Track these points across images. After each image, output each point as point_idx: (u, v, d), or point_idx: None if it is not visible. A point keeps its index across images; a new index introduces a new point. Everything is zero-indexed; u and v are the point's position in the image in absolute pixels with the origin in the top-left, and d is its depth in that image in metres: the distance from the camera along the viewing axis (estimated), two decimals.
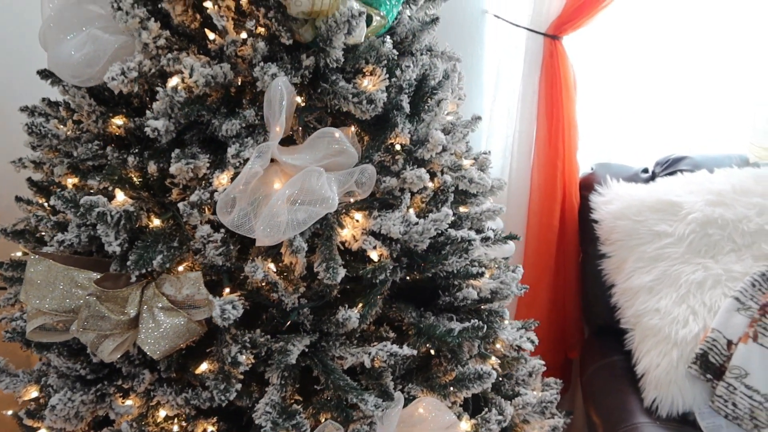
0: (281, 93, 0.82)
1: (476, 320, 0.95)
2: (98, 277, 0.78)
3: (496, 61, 1.72)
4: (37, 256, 0.80)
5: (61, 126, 0.93)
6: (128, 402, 0.86)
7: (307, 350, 0.87)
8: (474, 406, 1.08)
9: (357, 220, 0.91)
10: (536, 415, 1.15)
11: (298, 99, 0.89)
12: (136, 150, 0.88)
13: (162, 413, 0.87)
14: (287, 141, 0.91)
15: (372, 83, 0.90)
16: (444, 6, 1.75)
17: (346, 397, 0.84)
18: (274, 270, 0.86)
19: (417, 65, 1.00)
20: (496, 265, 1.12)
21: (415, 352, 0.89)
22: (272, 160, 0.85)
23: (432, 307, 1.00)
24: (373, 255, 0.89)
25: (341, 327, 0.86)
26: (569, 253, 1.70)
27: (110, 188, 0.84)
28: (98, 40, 0.82)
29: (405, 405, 0.92)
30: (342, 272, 0.83)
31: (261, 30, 0.87)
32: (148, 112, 0.82)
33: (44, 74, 0.97)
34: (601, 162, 1.74)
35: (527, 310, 1.74)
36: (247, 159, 0.81)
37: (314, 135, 0.87)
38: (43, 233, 0.94)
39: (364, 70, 0.92)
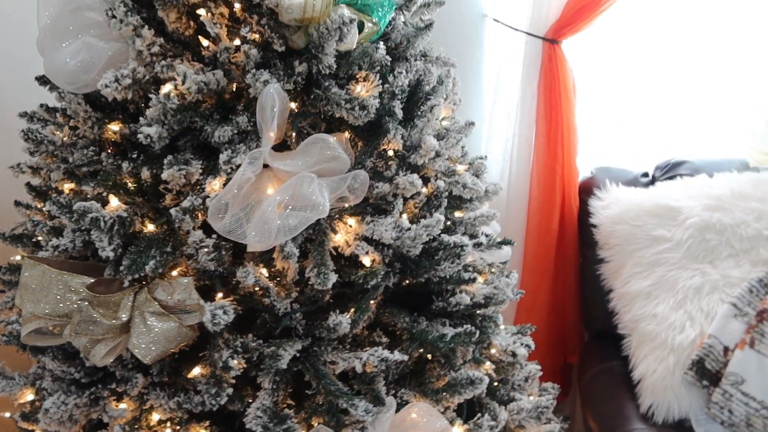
0: (273, 99, 0.82)
1: (469, 325, 0.96)
2: (91, 281, 0.79)
3: (495, 65, 1.72)
4: (31, 261, 0.81)
5: (58, 132, 0.94)
6: (122, 405, 0.87)
7: (299, 355, 0.88)
8: (469, 411, 1.08)
9: (350, 226, 0.91)
10: (532, 420, 1.15)
11: (292, 105, 0.90)
12: (133, 155, 0.89)
13: (155, 417, 0.88)
14: (282, 146, 0.91)
15: (365, 89, 0.91)
16: (443, 10, 1.75)
17: (337, 401, 0.84)
18: (266, 275, 0.86)
19: (411, 71, 1.01)
20: (491, 270, 1.13)
21: (406, 357, 0.89)
22: (266, 166, 0.86)
23: (426, 312, 1.00)
24: (366, 260, 0.90)
25: (332, 332, 0.86)
26: (568, 257, 1.70)
27: (104, 194, 0.85)
28: (92, 47, 0.83)
29: (398, 410, 0.93)
30: (333, 278, 0.84)
31: (255, 36, 0.87)
32: (141, 118, 0.83)
33: (42, 80, 0.98)
34: (601, 166, 1.74)
35: (527, 314, 1.74)
36: (239, 165, 0.82)
37: (307, 141, 0.87)
38: (39, 238, 0.95)
39: (358, 76, 0.92)
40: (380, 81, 0.91)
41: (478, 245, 1.02)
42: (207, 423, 0.88)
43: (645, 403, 1.26)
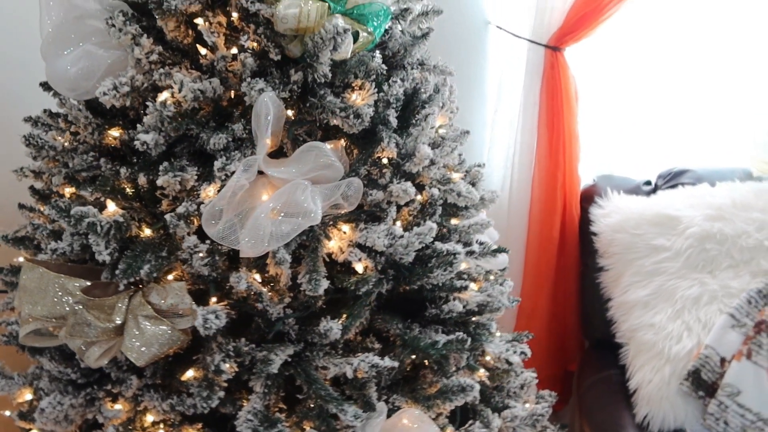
0: (267, 107, 0.83)
1: (461, 333, 0.96)
2: (88, 285, 0.81)
3: (498, 71, 1.73)
4: (30, 263, 0.82)
5: (59, 137, 0.96)
6: (117, 406, 0.89)
7: (291, 360, 0.89)
8: (463, 418, 1.09)
9: (344, 232, 0.92)
10: (527, 428, 1.15)
11: (289, 113, 0.91)
12: (132, 161, 0.91)
13: (149, 418, 0.89)
14: (278, 154, 0.93)
15: (361, 97, 0.92)
16: (447, 17, 1.76)
17: (327, 406, 0.85)
18: (259, 280, 0.87)
19: (407, 79, 1.02)
20: (487, 278, 1.13)
21: (396, 363, 0.90)
22: (261, 173, 0.87)
23: (419, 319, 1.01)
24: (359, 267, 0.91)
25: (324, 338, 0.87)
26: (569, 265, 1.70)
27: (102, 198, 0.87)
28: (92, 55, 0.85)
29: (389, 415, 0.93)
30: (324, 284, 0.85)
31: (254, 45, 0.89)
32: (139, 125, 0.85)
33: (46, 86, 1.00)
34: (604, 174, 1.74)
35: (527, 321, 1.74)
36: (234, 172, 0.83)
37: (301, 148, 0.89)
38: (39, 241, 0.97)
39: (354, 85, 0.93)
40: (376, 89, 0.92)
41: (470, 253, 1.03)
42: (200, 425, 0.90)
43: (641, 412, 1.25)
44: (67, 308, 0.79)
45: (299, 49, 0.88)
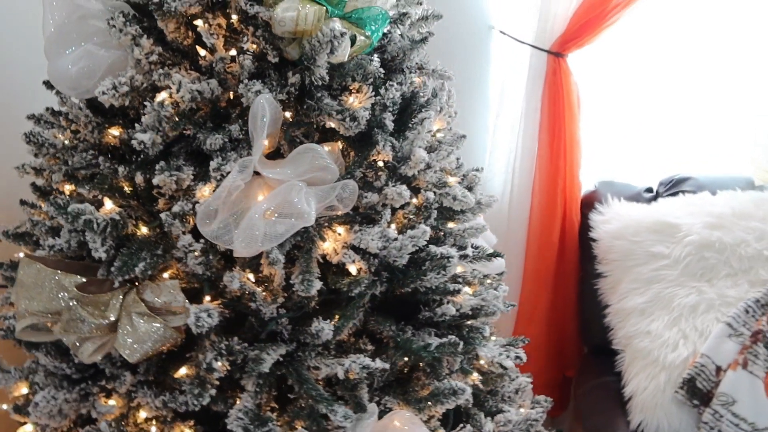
0: (264, 109, 0.84)
1: (454, 336, 0.97)
2: (83, 281, 0.82)
3: (501, 76, 1.73)
4: (28, 259, 0.84)
5: (60, 135, 0.97)
6: (111, 402, 0.90)
7: (283, 359, 0.89)
8: (456, 421, 1.09)
9: (339, 234, 0.93)
10: None
11: (287, 114, 0.92)
12: (131, 159, 0.92)
13: (142, 414, 0.90)
14: (275, 155, 0.93)
15: (358, 100, 0.93)
16: (451, 21, 1.76)
17: (318, 406, 0.86)
18: (253, 280, 0.88)
19: (405, 83, 1.02)
20: (483, 282, 1.13)
21: (387, 365, 0.90)
22: (258, 174, 0.88)
23: (413, 322, 1.01)
24: (352, 269, 0.91)
25: (316, 338, 0.88)
26: (568, 271, 1.70)
27: (100, 196, 0.88)
28: (93, 55, 0.86)
29: (381, 417, 0.94)
30: (317, 285, 0.86)
31: (253, 47, 0.90)
32: (137, 125, 0.86)
33: (49, 85, 1.02)
34: (605, 180, 1.74)
35: (526, 326, 1.74)
36: (229, 172, 0.84)
37: (297, 150, 0.89)
38: (38, 237, 0.98)
39: (351, 88, 0.94)
40: (373, 93, 0.93)
41: (464, 257, 1.03)
42: (192, 422, 0.90)
43: (635, 420, 1.25)
44: (63, 304, 0.80)
45: (297, 52, 0.89)
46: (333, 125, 0.91)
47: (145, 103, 0.85)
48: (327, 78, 0.90)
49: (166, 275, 0.90)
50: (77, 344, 0.81)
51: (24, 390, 0.95)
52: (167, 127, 0.84)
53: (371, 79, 0.96)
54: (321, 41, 0.85)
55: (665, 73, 1.74)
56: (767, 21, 1.65)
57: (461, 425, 1.02)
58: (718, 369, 1.20)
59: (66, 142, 0.96)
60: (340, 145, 0.95)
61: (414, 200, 1.00)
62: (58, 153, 0.96)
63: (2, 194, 1.22)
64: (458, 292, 0.97)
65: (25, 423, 0.94)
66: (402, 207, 0.98)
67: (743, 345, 1.20)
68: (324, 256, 0.92)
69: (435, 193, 1.01)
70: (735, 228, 1.36)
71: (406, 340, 0.95)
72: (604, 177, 1.77)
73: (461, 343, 0.96)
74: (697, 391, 1.20)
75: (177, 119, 0.84)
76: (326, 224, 0.92)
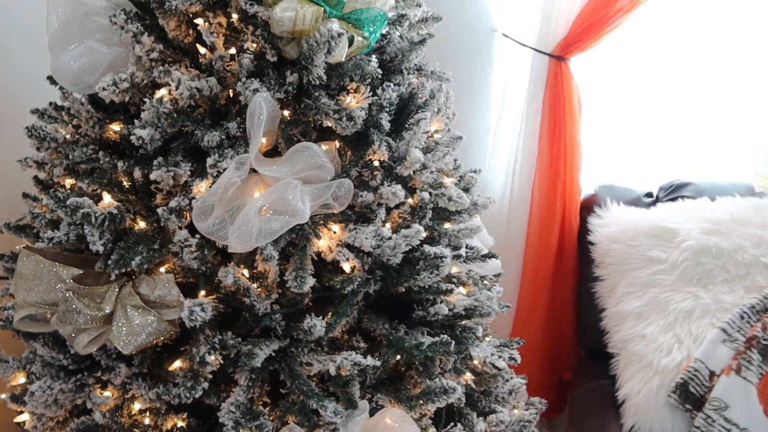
0: (261, 107, 0.85)
1: (446, 335, 0.97)
2: (80, 273, 0.83)
3: (503, 78, 1.74)
4: (27, 251, 0.85)
5: (62, 129, 0.99)
6: (106, 393, 0.91)
7: (276, 355, 0.91)
8: (448, 420, 1.10)
9: (334, 232, 0.94)
10: None
11: (285, 113, 0.93)
12: (131, 154, 0.94)
13: (137, 406, 0.92)
14: (273, 153, 0.95)
15: (355, 100, 0.94)
16: (454, 23, 1.77)
17: (309, 402, 0.87)
18: (248, 276, 0.89)
19: (403, 84, 1.03)
20: (477, 283, 1.14)
21: (379, 363, 0.91)
22: (254, 171, 0.89)
23: (407, 321, 1.02)
24: (346, 267, 0.92)
25: (308, 334, 0.89)
26: (566, 273, 1.70)
27: (99, 190, 0.89)
28: (95, 51, 0.87)
29: (372, 414, 0.95)
30: (310, 281, 0.87)
31: (253, 46, 0.91)
32: (137, 121, 0.87)
33: (52, 80, 1.04)
34: (605, 184, 1.74)
35: (523, 328, 1.74)
36: (226, 169, 0.85)
37: (294, 148, 0.90)
38: (38, 229, 1.00)
39: (349, 88, 0.95)
40: (370, 93, 0.94)
41: (457, 257, 1.04)
42: (185, 415, 0.92)
43: (628, 423, 1.26)
44: (60, 295, 0.81)
45: (296, 51, 0.90)
46: (330, 124, 0.92)
47: (145, 99, 0.86)
48: (325, 78, 0.91)
49: (162, 269, 0.91)
50: (73, 335, 0.82)
51: (21, 380, 0.96)
52: (166, 124, 0.86)
53: (369, 80, 0.97)
54: (318, 41, 0.86)
55: (666, 77, 1.75)
56: (767, 26, 1.65)
57: (452, 424, 1.03)
58: (712, 374, 1.20)
59: (67, 136, 0.97)
60: (336, 144, 0.96)
61: (409, 200, 1.01)
62: (60, 147, 0.98)
63: (8, 187, 1.24)
64: (451, 291, 0.98)
65: (22, 412, 0.96)
66: (397, 206, 0.99)
67: (737, 350, 1.20)
68: (318, 254, 0.93)
69: (430, 193, 1.02)
70: (733, 234, 1.36)
71: (398, 338, 0.96)
72: (605, 181, 1.78)
73: (453, 342, 0.97)
74: (690, 396, 1.20)
75: (175, 116, 0.85)
76: (321, 222, 0.93)
